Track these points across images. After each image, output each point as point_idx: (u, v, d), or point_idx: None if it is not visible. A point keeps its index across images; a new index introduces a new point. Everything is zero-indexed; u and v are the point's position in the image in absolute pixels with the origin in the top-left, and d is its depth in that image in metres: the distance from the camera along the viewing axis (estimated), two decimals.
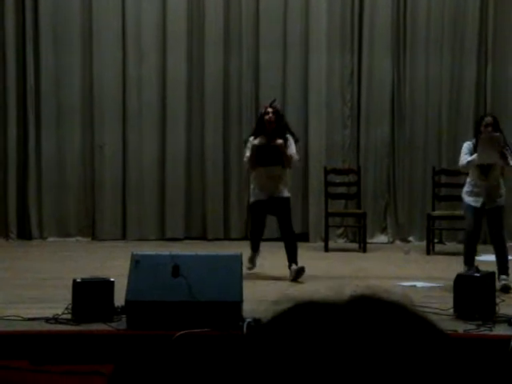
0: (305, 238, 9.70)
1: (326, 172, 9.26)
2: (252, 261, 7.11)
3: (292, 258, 6.92)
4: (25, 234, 9.65)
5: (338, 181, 9.37)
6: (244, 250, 6.89)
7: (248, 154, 7.07)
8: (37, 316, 4.95)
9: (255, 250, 7.20)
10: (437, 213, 8.98)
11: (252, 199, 7.20)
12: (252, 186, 7.24)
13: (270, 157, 6.97)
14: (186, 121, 9.86)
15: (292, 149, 7.08)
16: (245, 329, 4.64)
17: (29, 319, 4.88)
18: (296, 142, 7.24)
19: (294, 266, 6.85)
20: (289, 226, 7.09)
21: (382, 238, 9.77)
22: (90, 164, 9.81)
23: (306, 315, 0.60)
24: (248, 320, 4.74)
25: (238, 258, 5.34)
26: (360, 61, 9.86)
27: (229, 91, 9.85)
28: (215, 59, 9.76)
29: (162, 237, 9.76)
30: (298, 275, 6.76)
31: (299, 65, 9.85)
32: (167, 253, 5.30)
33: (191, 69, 9.83)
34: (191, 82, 9.84)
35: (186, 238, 9.75)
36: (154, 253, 5.42)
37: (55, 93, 9.70)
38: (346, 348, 0.58)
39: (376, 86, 9.84)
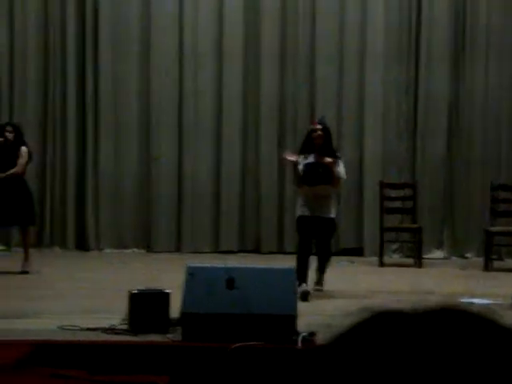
0: (359, 252, 9.64)
1: (382, 186, 9.19)
2: (304, 295, 6.28)
3: (321, 276, 6.86)
4: (82, 245, 9.80)
5: (393, 195, 9.28)
6: None
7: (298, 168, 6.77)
8: (94, 326, 5.01)
9: (302, 279, 6.39)
10: (495, 229, 8.82)
11: (297, 214, 6.87)
12: (299, 202, 6.89)
13: (317, 175, 6.64)
14: (242, 134, 9.91)
15: (339, 169, 6.77)
16: (299, 343, 4.63)
17: (87, 329, 4.94)
18: (339, 158, 6.91)
19: (317, 286, 6.80)
20: (327, 247, 6.86)
21: (438, 254, 9.64)
22: (146, 176, 9.92)
23: (389, 325, 0.59)
24: (303, 334, 4.73)
25: (292, 271, 5.34)
26: (417, 73, 9.78)
27: (284, 105, 9.87)
28: (271, 72, 9.80)
29: (216, 249, 9.80)
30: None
31: (355, 78, 9.82)
32: (222, 265, 5.32)
33: (247, 82, 9.88)
34: (247, 95, 9.89)
35: (240, 250, 9.78)
36: (208, 265, 5.44)
37: (113, 105, 9.84)
38: (438, 359, 0.57)
39: (433, 99, 9.74)
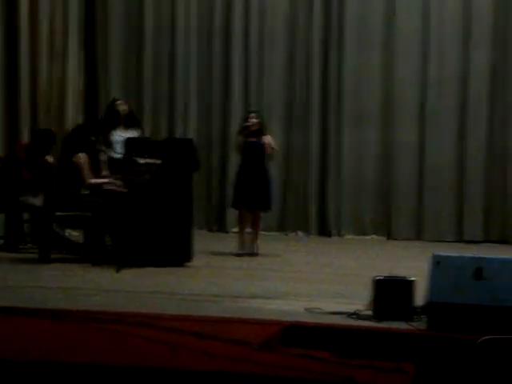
0: None
1: None
2: None
3: None
4: (324, 231, 9.97)
5: None
6: None
7: None
8: (339, 310, 5.08)
9: None
10: None
11: None
12: None
13: None
14: (487, 121, 9.58)
15: None
16: None
17: (332, 313, 5.03)
18: None
19: None
20: None
21: None
22: (387, 163, 9.88)
23: None
24: None
25: None
26: None
27: None
28: None
29: (460, 239, 9.57)
30: None
31: None
32: (469, 255, 5.17)
33: (495, 65, 9.50)
34: (495, 76, 9.51)
35: (485, 240, 9.46)
36: (455, 254, 5.32)
37: (355, 91, 9.86)
38: None
39: None
